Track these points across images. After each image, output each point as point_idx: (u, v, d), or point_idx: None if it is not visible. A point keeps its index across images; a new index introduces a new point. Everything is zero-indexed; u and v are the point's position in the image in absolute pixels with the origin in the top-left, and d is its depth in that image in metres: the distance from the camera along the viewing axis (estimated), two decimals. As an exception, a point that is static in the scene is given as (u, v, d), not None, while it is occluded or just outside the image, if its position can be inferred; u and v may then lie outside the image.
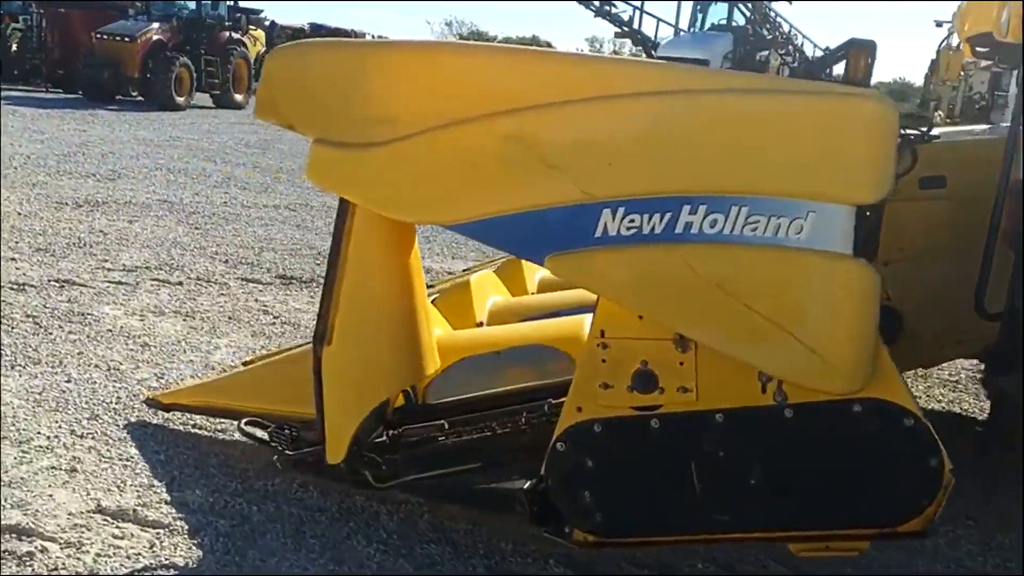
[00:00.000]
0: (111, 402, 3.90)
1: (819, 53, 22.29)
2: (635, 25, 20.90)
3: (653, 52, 20.00)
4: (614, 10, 20.58)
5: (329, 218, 5.74)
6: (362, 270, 2.60)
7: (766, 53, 21.37)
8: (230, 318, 5.18)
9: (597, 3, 20.25)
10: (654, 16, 22.44)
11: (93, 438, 3.56)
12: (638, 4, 20.85)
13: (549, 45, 38.51)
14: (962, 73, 16.81)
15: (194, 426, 3.72)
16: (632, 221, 2.26)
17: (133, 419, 3.76)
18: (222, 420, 3.68)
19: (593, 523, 2.48)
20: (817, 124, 2.20)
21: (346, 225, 2.59)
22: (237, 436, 3.48)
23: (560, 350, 2.93)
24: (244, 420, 3.31)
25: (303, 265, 6.51)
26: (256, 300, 5.61)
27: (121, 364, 4.34)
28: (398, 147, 2.44)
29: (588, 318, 2.53)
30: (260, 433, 3.25)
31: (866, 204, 2.24)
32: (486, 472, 2.81)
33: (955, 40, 11.19)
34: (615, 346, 2.43)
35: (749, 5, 21.15)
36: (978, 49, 4.51)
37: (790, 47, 21.87)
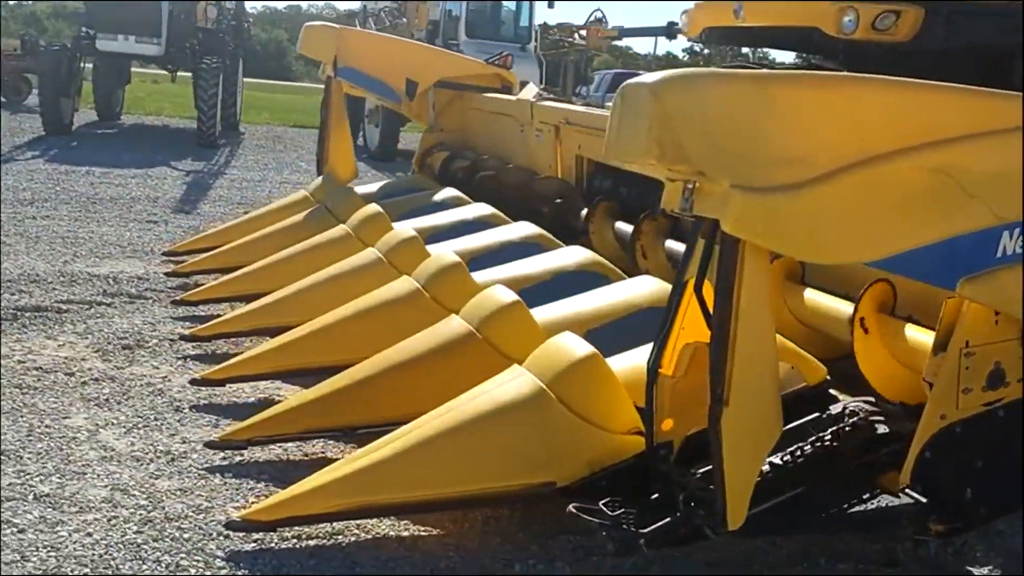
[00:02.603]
0: None
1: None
2: None
3: None
4: None
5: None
6: (753, 321, 2.47)
7: None
8: None
9: None
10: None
11: None
12: None
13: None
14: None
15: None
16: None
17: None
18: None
19: (964, 514, 2.70)
20: None
21: (736, 277, 2.43)
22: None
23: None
24: (572, 506, 2.81)
25: None
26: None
27: None
28: (815, 187, 2.35)
29: None
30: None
31: None
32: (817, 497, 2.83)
33: None
34: (978, 353, 2.64)
35: None
36: None
37: None
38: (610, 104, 2.62)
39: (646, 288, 3.85)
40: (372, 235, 4.99)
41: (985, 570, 3.13)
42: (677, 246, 4.30)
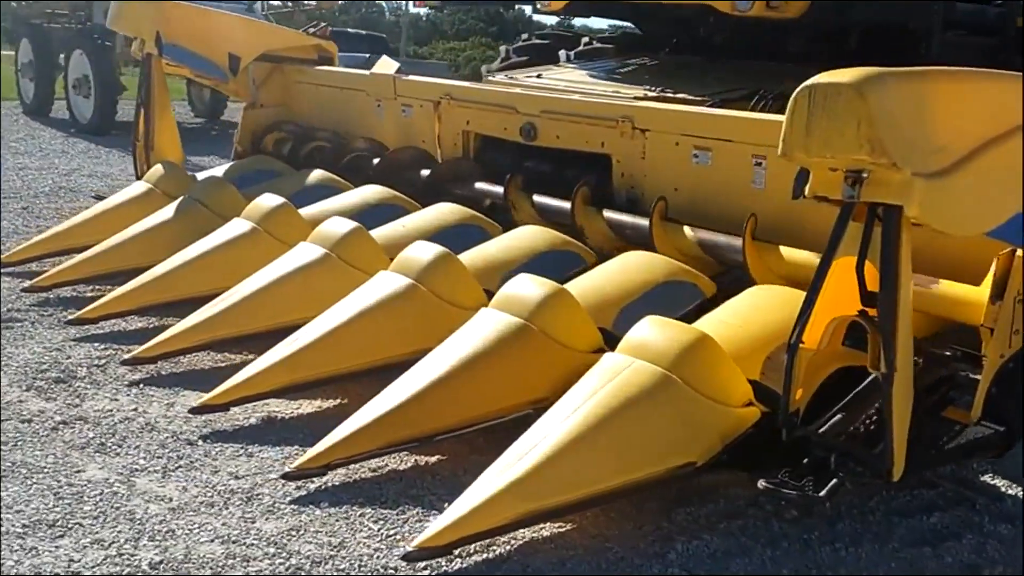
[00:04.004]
0: None
1: None
2: None
3: None
4: None
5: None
6: (907, 294, 2.76)
7: None
8: None
9: None
10: None
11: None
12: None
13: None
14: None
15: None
16: None
17: None
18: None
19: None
20: None
21: (898, 258, 2.70)
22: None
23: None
24: (762, 482, 2.90)
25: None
26: None
27: None
28: (959, 169, 2.69)
29: None
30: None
31: None
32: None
33: None
34: (1024, 298, 3.14)
35: None
36: None
37: None
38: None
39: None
40: (285, 229, 4.74)
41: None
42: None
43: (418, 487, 3.26)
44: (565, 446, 2.91)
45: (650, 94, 4.95)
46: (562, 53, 6.98)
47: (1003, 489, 3.54)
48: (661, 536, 3.03)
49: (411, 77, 5.99)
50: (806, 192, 2.84)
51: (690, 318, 3.62)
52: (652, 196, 4.57)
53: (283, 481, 3.23)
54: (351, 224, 4.44)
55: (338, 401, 3.91)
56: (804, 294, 3.59)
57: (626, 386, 3.05)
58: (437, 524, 2.76)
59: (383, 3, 53.12)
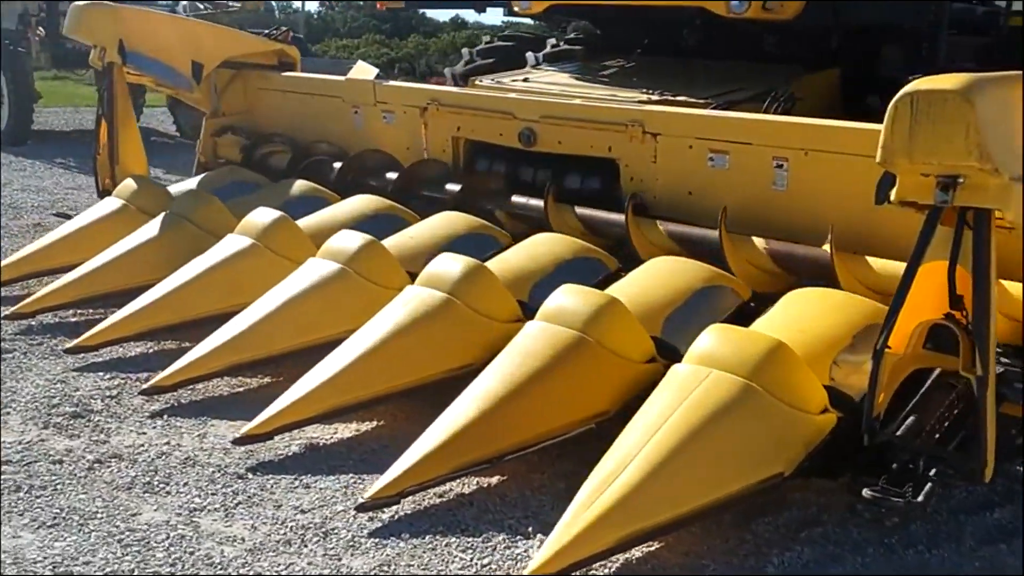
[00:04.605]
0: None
1: None
2: None
3: None
4: None
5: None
6: (994, 295, 2.81)
7: None
8: None
9: None
10: None
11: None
12: None
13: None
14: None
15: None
16: None
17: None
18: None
19: None
20: None
21: (989, 261, 2.75)
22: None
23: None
24: (866, 491, 2.88)
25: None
26: None
27: None
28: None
29: None
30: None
31: None
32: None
33: None
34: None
35: None
36: None
37: None
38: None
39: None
40: (286, 244, 4.58)
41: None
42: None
43: (492, 511, 3.18)
44: (659, 465, 2.85)
45: (654, 98, 4.92)
46: (530, 55, 6.91)
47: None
48: (752, 550, 3.02)
49: (393, 82, 5.86)
50: (892, 197, 2.85)
51: (732, 322, 3.62)
52: (664, 200, 4.57)
53: (353, 513, 3.10)
54: (364, 237, 4.31)
55: (374, 424, 3.79)
56: (843, 295, 3.71)
57: (708, 398, 3.01)
58: (545, 552, 2.68)
59: (273, 2, 52.42)
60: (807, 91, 5.22)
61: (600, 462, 2.93)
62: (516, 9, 6.17)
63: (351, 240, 4.25)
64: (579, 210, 4.72)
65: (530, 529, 3.06)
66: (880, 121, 4.59)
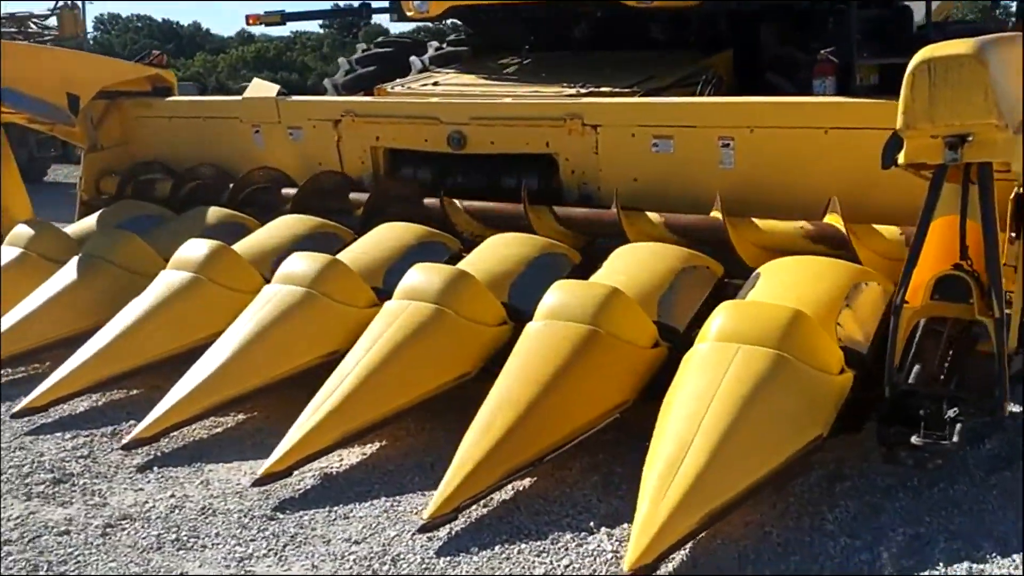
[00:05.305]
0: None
1: None
2: None
3: None
4: None
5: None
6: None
7: None
8: None
9: None
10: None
11: None
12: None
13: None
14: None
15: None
16: None
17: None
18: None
19: None
20: None
21: (995, 211, 2.97)
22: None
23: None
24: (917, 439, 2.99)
25: None
26: None
27: None
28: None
29: None
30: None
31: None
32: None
33: None
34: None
35: None
36: None
37: None
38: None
39: None
40: (230, 275, 4.39)
41: None
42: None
43: (545, 512, 3.16)
44: (719, 444, 2.89)
45: (582, 91, 4.98)
46: (415, 59, 6.85)
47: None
48: (801, 511, 3.13)
49: (296, 98, 5.67)
50: (900, 160, 3.01)
51: (712, 299, 3.74)
52: (609, 190, 4.63)
53: (409, 536, 3.01)
54: (325, 258, 4.17)
55: (376, 446, 3.68)
56: (822, 260, 3.87)
57: (745, 373, 3.08)
58: (637, 545, 2.67)
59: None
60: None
61: (655, 450, 2.96)
62: (410, 13, 6.09)
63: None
64: (558, 209, 4.64)
65: (592, 524, 3.06)
66: (785, 94, 4.92)
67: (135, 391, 4.28)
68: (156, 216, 5.51)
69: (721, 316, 3.31)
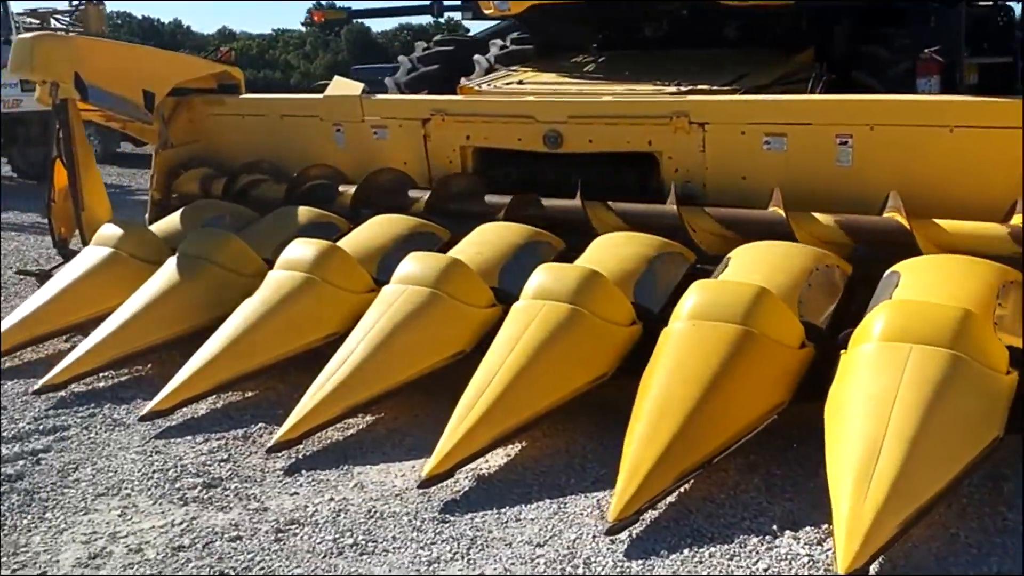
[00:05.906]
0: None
1: None
2: None
3: None
4: None
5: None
6: None
7: None
8: None
9: None
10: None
11: None
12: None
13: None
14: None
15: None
16: None
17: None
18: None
19: None
20: None
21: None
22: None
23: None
24: None
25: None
26: None
27: None
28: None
29: None
30: None
31: None
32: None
33: None
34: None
35: None
36: None
37: None
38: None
39: None
40: (342, 275, 4.34)
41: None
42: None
43: (718, 515, 3.12)
44: (910, 448, 2.86)
45: (683, 88, 4.96)
46: (479, 58, 6.81)
47: None
48: (978, 511, 3.12)
49: (382, 96, 5.62)
50: None
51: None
52: (715, 189, 4.62)
53: (594, 536, 2.98)
54: (447, 258, 4.15)
55: (519, 447, 3.65)
56: (970, 260, 3.83)
57: (924, 373, 3.06)
58: (849, 549, 2.64)
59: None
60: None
61: (838, 452, 2.94)
62: (488, 11, 6.05)
63: (432, 262, 4.13)
64: (616, 205, 4.66)
65: (773, 527, 3.03)
66: (874, 92, 4.92)
67: (250, 393, 4.22)
68: (239, 215, 5.45)
69: (885, 315, 3.29)
